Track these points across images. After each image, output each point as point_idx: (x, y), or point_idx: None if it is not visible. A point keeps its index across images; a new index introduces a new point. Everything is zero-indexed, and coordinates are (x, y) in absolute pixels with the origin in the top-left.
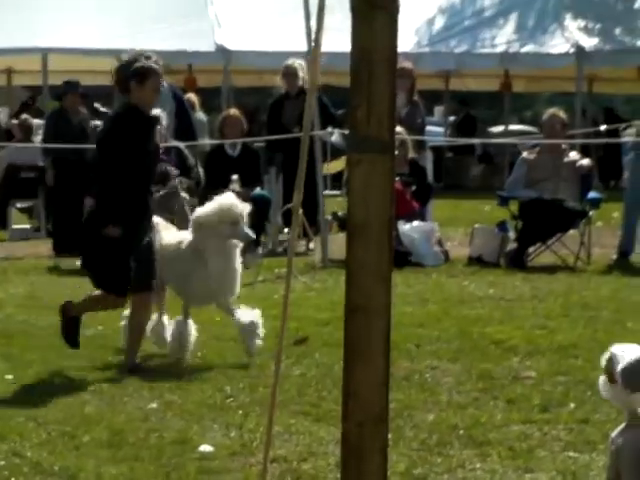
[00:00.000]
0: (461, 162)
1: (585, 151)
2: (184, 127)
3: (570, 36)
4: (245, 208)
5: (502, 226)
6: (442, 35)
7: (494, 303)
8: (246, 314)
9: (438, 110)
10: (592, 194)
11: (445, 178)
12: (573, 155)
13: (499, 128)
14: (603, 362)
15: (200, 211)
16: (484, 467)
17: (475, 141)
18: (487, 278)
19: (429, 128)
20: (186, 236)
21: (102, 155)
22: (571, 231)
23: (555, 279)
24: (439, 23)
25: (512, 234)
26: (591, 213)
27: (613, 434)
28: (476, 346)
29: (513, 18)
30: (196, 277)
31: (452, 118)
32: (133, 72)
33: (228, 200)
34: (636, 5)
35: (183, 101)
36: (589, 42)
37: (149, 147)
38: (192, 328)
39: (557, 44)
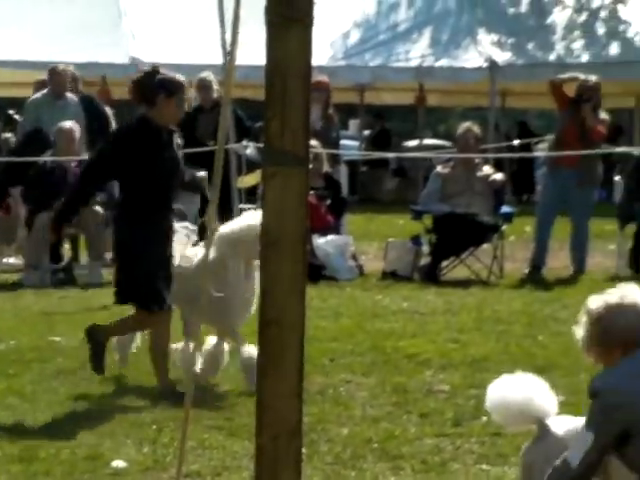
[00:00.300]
0: (375, 176)
1: (498, 165)
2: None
3: (483, 51)
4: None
5: (416, 240)
6: (357, 49)
7: (408, 317)
8: (253, 348)
9: (353, 124)
10: (505, 208)
11: (360, 192)
12: (486, 169)
13: (413, 142)
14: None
15: (227, 228)
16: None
17: (390, 155)
18: (401, 292)
19: (344, 142)
20: (199, 251)
21: (123, 169)
22: (484, 245)
23: (468, 293)
24: (354, 37)
25: (426, 248)
26: (504, 227)
27: (524, 446)
28: (389, 360)
29: (427, 33)
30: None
31: (367, 132)
32: (160, 84)
33: (256, 219)
34: (548, 20)
35: (104, 114)
36: (502, 56)
37: (168, 160)
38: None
39: (470, 58)
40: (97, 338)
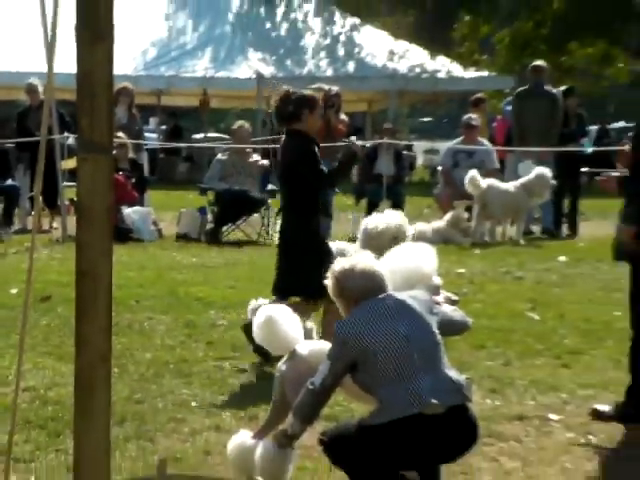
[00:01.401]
0: (170, 161)
1: (266, 153)
2: None
3: (252, 65)
4: (409, 228)
5: (202, 210)
6: (154, 62)
7: (196, 269)
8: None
9: (153, 120)
10: (270, 186)
11: (158, 173)
12: (255, 157)
13: (200, 135)
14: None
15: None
16: (188, 392)
17: (181, 145)
18: (191, 250)
19: (146, 134)
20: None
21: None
22: (255, 214)
23: (242, 251)
24: (152, 53)
25: (210, 217)
26: (270, 201)
27: (279, 364)
28: (182, 302)
29: (209, 51)
30: None
31: (163, 127)
32: (306, 101)
33: (396, 218)
34: (301, 42)
35: None
36: (267, 70)
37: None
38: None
39: (242, 71)
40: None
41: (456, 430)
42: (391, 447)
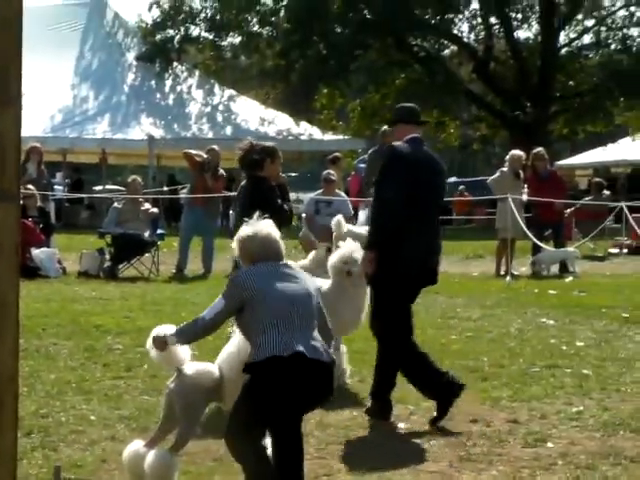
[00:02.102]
0: (74, 209)
1: (156, 202)
2: None
3: (145, 128)
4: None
5: (101, 251)
6: (61, 125)
7: (95, 301)
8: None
9: (59, 175)
10: (160, 230)
11: (64, 219)
12: (147, 205)
13: (100, 187)
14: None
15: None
16: (88, 407)
17: (83, 195)
18: (91, 285)
19: (56, 187)
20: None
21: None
22: (146, 254)
23: (136, 286)
24: (58, 117)
25: (107, 256)
26: (159, 243)
27: (168, 382)
28: (83, 329)
29: (107, 116)
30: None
31: (68, 180)
32: (267, 152)
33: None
34: (186, 110)
35: None
36: (157, 132)
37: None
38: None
39: (136, 133)
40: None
41: (318, 380)
42: (267, 383)
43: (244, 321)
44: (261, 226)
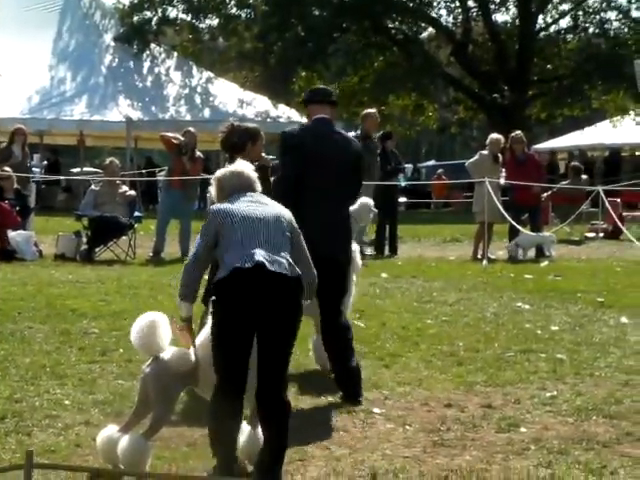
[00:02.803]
0: (52, 191)
1: (133, 185)
2: None
3: (123, 110)
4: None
5: (77, 234)
6: (38, 107)
7: (72, 285)
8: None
9: (36, 157)
10: (137, 213)
11: (41, 202)
12: (124, 188)
13: (77, 169)
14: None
15: None
16: (62, 392)
17: (61, 177)
18: (68, 268)
19: (34, 169)
20: None
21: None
22: (123, 237)
23: (112, 269)
24: (35, 99)
25: (84, 239)
26: (136, 225)
27: (143, 366)
28: (59, 313)
29: (85, 98)
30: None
31: (45, 162)
32: (249, 134)
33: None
34: (164, 92)
35: None
36: (135, 114)
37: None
38: None
39: (114, 115)
40: None
41: (280, 292)
42: (232, 296)
43: (217, 252)
44: (235, 165)
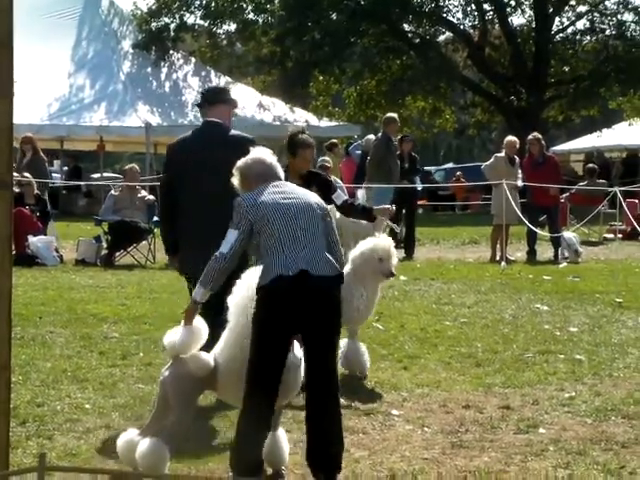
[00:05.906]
0: (72, 196)
1: (152, 190)
2: None
3: (142, 116)
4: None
5: (98, 239)
6: (57, 113)
7: (92, 290)
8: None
9: (57, 163)
10: (156, 218)
11: (61, 207)
12: (143, 193)
13: (97, 175)
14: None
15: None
16: (83, 396)
17: (81, 183)
18: (88, 273)
19: (53, 174)
20: None
21: None
22: (143, 242)
23: (132, 273)
24: (55, 106)
25: (104, 244)
26: (155, 230)
27: (163, 369)
28: (79, 318)
29: (104, 104)
30: (358, 302)
31: (65, 168)
32: (300, 142)
33: (384, 241)
34: (182, 98)
35: None
36: (154, 120)
37: None
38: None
39: (133, 121)
40: None
41: (326, 295)
42: (277, 302)
43: (255, 247)
44: (254, 152)
